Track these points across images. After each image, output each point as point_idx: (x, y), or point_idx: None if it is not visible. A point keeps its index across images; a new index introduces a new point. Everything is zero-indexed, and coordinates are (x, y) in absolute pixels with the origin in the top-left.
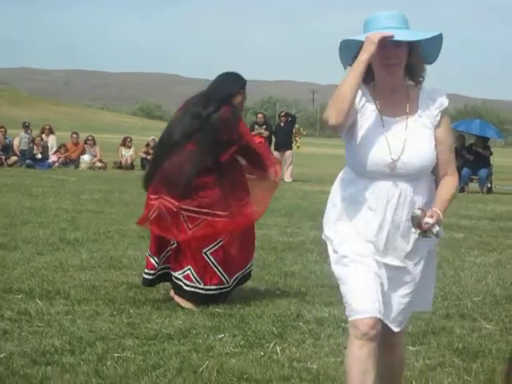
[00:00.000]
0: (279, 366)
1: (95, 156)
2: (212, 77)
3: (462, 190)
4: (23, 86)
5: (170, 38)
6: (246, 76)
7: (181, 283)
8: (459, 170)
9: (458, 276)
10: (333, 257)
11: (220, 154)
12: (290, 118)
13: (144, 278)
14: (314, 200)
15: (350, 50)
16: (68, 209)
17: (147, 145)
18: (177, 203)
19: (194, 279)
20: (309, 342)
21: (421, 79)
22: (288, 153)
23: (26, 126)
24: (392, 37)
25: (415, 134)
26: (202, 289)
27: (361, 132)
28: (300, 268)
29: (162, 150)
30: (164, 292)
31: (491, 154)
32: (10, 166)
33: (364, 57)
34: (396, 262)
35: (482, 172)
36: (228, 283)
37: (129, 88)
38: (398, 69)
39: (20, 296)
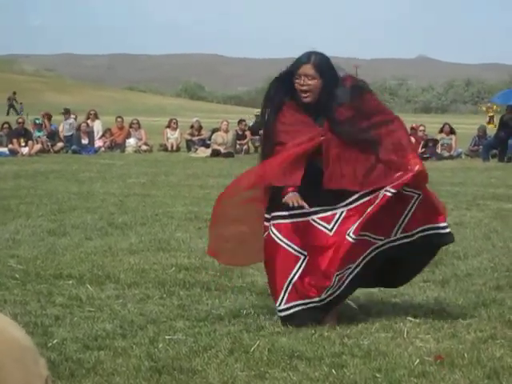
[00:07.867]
0: (330, 343)
1: (140, 139)
2: (254, 55)
3: (509, 159)
4: (67, 72)
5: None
6: None
7: None
8: (506, 140)
9: (508, 247)
10: None
11: None
12: None
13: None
14: None
15: None
16: (115, 193)
17: (191, 126)
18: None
19: None
20: (359, 318)
21: None
22: None
23: (67, 112)
24: None
25: None
26: None
27: None
28: None
29: None
30: (213, 273)
31: None
32: (56, 152)
33: None
34: None
35: None
36: None
37: (171, 70)
38: None
39: (70, 282)
